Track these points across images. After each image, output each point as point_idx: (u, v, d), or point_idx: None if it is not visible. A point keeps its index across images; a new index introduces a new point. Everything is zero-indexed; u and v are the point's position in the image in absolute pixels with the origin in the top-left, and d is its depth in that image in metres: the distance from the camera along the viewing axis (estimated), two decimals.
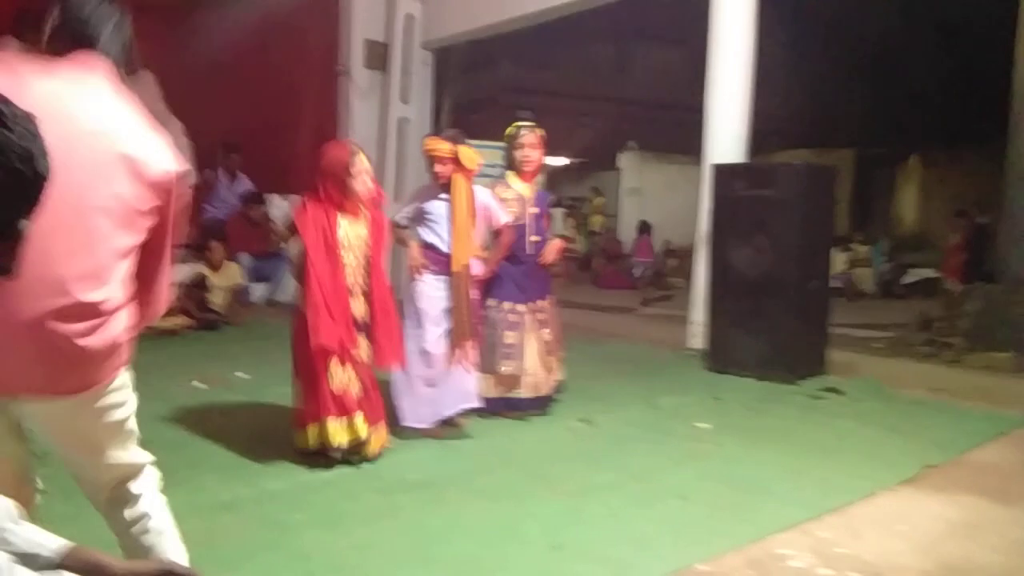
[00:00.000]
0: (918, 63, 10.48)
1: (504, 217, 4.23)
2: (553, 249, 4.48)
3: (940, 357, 6.42)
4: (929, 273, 11.48)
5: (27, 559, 1.16)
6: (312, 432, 3.45)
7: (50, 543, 1.21)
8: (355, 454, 3.49)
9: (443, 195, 4.05)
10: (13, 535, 1.17)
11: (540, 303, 4.44)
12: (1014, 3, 6.53)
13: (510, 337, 4.35)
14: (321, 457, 3.46)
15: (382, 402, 3.66)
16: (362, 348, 3.52)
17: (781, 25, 7.06)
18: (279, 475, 3.35)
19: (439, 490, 3.24)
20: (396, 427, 3.92)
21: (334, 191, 3.48)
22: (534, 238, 4.42)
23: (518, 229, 4.36)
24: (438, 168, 4.01)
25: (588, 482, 3.39)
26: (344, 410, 3.41)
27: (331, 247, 3.44)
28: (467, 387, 4.04)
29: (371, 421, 3.52)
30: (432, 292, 4.01)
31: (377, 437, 3.58)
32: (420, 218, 4.12)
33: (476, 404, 4.09)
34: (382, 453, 3.62)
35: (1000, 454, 4.03)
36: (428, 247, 4.06)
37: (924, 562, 2.69)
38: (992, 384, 5.50)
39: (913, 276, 11.53)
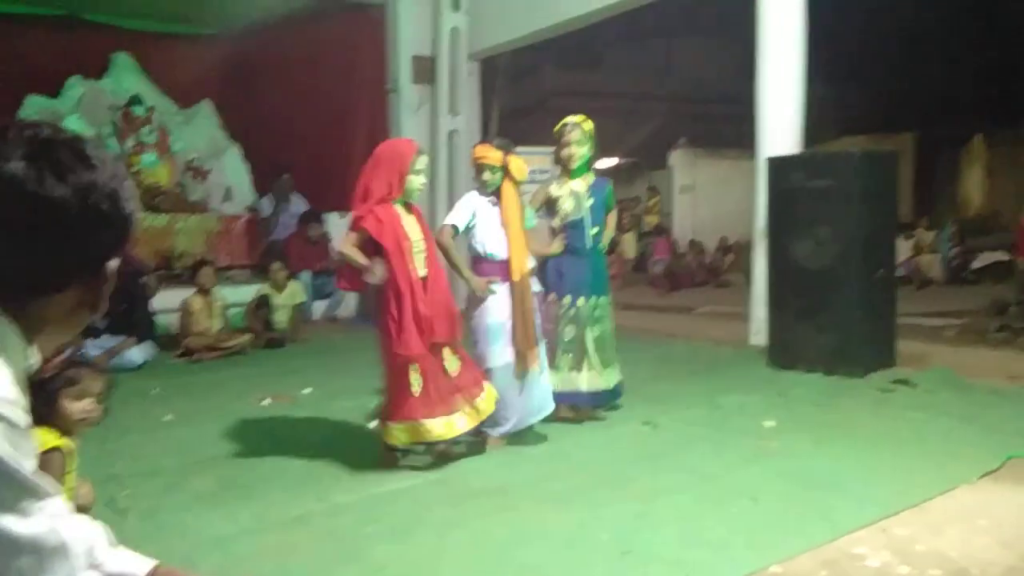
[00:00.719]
0: (977, 42, 10.12)
1: (532, 220, 4.26)
2: (610, 226, 4.55)
3: (1016, 343, 6.20)
4: (1000, 256, 11.07)
5: None
6: (402, 430, 3.58)
7: (139, 565, 1.26)
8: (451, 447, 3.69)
9: (493, 200, 4.08)
10: (107, 557, 1.23)
11: (600, 299, 4.43)
12: None
13: (569, 332, 4.36)
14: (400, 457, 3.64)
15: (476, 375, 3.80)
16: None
17: (832, 10, 6.91)
18: (349, 488, 3.41)
19: (508, 497, 3.26)
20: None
21: (394, 189, 3.58)
22: (594, 230, 4.42)
23: (577, 223, 4.38)
24: (487, 176, 4.03)
25: (656, 485, 3.36)
26: (429, 412, 3.55)
27: (405, 248, 3.56)
28: (544, 393, 4.10)
29: (470, 396, 3.68)
30: (500, 303, 4.00)
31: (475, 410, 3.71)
32: (474, 225, 4.13)
33: (552, 408, 4.14)
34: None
35: None
36: (486, 259, 4.07)
37: (1009, 557, 2.60)
38: None
39: (983, 260, 11.13)
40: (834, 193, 5.39)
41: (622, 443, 4.04)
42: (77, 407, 2.70)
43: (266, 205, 9.32)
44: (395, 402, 3.60)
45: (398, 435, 3.59)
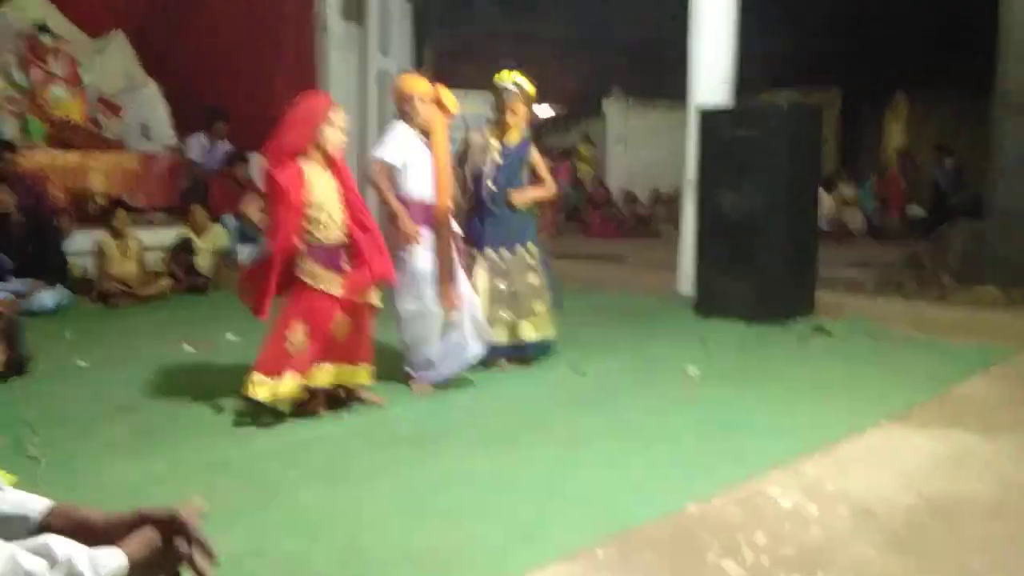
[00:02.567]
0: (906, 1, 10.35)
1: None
2: (521, 195, 4.37)
3: (927, 294, 6.46)
4: (918, 211, 11.51)
5: (14, 522, 1.16)
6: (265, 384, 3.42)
7: (35, 504, 1.20)
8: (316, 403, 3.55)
9: (422, 138, 3.97)
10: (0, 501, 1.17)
11: (527, 247, 4.38)
12: None
13: (501, 284, 4.31)
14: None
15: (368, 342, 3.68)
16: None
17: None
18: (273, 433, 3.36)
19: (434, 442, 3.26)
20: (389, 381, 3.94)
21: (306, 141, 3.44)
22: (492, 187, 4.31)
23: (482, 176, 4.30)
24: (419, 107, 3.91)
25: (582, 430, 3.41)
26: (301, 366, 3.42)
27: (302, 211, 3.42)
28: (465, 343, 4.02)
29: (349, 359, 3.55)
30: (427, 249, 3.94)
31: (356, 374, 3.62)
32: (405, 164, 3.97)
33: (477, 357, 4.08)
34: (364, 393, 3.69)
35: (985, 388, 4.08)
36: (416, 202, 3.96)
37: (910, 496, 2.73)
38: (978, 319, 5.55)
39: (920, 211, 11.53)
40: (761, 145, 5.46)
41: (550, 390, 4.08)
42: None
43: (195, 145, 8.91)
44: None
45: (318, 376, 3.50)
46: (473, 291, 4.17)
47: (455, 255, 3.99)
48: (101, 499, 2.63)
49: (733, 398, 3.86)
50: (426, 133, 3.97)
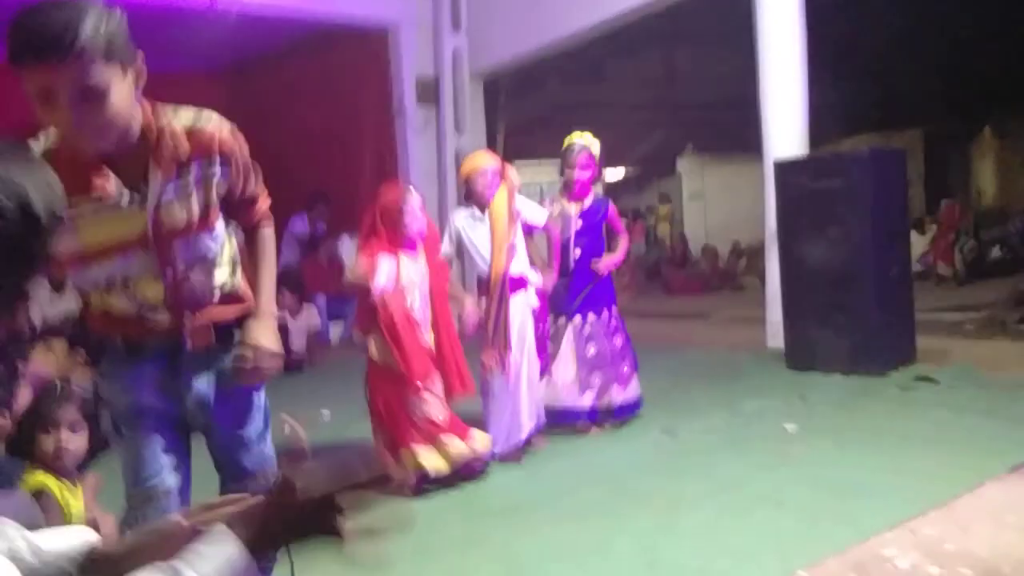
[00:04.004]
0: (979, 33, 10.07)
1: (542, 216, 4.24)
2: (606, 263, 4.44)
3: None
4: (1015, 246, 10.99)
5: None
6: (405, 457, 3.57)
7: (71, 544, 1.04)
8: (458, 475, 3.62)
9: (477, 214, 4.07)
10: (26, 552, 0.98)
11: (587, 316, 4.39)
12: None
13: (591, 349, 4.33)
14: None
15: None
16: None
17: (834, 7, 6.89)
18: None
19: (526, 514, 3.24)
20: None
21: (391, 231, 3.66)
22: (576, 252, 4.41)
23: (563, 244, 4.37)
24: (481, 186, 4.00)
25: (677, 495, 3.33)
26: (430, 437, 3.55)
27: (398, 287, 3.62)
28: (533, 407, 4.07)
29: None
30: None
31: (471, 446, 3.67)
32: (463, 247, 4.12)
33: (542, 422, 4.14)
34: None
35: None
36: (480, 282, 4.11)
37: None
38: None
39: (998, 252, 11.01)
40: (845, 193, 5.36)
41: (642, 454, 4.02)
42: (48, 441, 2.49)
43: (297, 225, 9.34)
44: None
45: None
46: (557, 359, 4.24)
47: (512, 320, 4.02)
48: None
49: (837, 455, 3.71)
50: (484, 207, 4.06)
